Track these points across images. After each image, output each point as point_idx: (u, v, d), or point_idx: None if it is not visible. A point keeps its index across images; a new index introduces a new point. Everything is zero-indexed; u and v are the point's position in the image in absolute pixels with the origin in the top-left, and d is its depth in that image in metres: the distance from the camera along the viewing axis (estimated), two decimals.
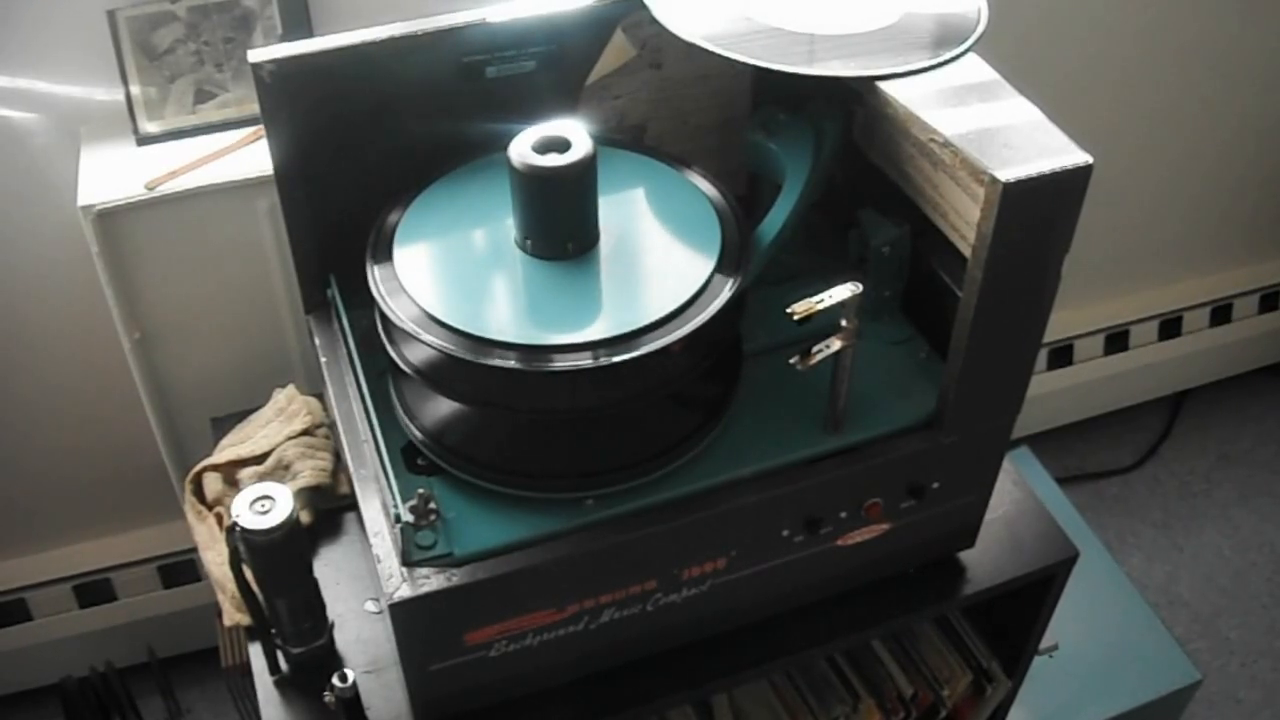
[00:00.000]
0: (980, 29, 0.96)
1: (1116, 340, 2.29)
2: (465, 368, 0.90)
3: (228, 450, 1.21)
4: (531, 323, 0.93)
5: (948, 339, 0.96)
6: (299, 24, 1.37)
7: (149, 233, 1.32)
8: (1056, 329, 2.22)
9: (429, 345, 0.91)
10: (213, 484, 1.19)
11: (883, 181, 1.05)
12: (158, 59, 1.35)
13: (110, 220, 1.30)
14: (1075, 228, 0.89)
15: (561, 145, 0.92)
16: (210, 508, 1.18)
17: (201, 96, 1.37)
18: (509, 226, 0.98)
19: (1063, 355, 2.26)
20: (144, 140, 1.37)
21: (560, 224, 0.95)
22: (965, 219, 0.95)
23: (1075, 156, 0.85)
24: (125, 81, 1.35)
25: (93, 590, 1.77)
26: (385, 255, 0.98)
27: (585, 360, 0.88)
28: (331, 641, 1.09)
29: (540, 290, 0.95)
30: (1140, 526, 2.29)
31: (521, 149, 0.92)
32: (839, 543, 1.05)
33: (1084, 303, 2.25)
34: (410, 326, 0.91)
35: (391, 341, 0.97)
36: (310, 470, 1.17)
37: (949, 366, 0.98)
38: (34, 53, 1.35)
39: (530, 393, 0.94)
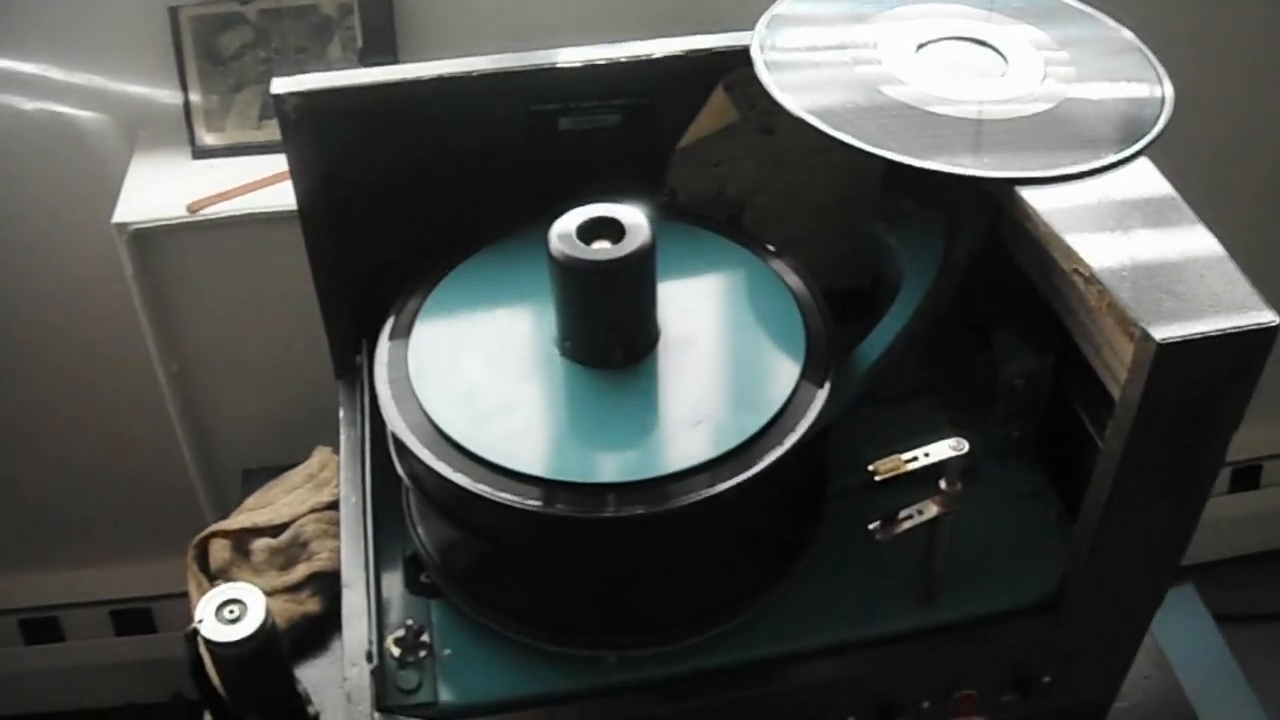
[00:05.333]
0: (1157, 129, 0.76)
1: None
2: (468, 495, 0.74)
3: (244, 515, 1.08)
4: (554, 450, 0.76)
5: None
6: (382, 38, 1.21)
7: (190, 259, 1.20)
8: (1242, 447, 1.90)
9: (427, 465, 0.75)
10: (219, 552, 1.06)
11: (1029, 290, 0.86)
12: (222, 64, 1.21)
13: (147, 241, 1.17)
14: (1248, 403, 0.69)
15: (614, 231, 0.75)
16: (213, 579, 1.05)
17: (269, 111, 1.22)
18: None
19: (1248, 476, 1.97)
20: (200, 153, 1.23)
21: (606, 327, 0.78)
22: (1121, 360, 0.74)
23: (1258, 316, 0.65)
24: (184, 87, 1.22)
25: (131, 618, 1.67)
26: (399, 349, 0.82)
27: (604, 508, 0.72)
28: None
29: (577, 407, 0.79)
30: None
31: (564, 232, 0.75)
32: None
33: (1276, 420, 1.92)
34: (410, 440, 0.76)
35: (395, 442, 0.82)
36: (329, 553, 1.03)
37: (1076, 544, 0.78)
38: (96, 46, 1.23)
39: (539, 535, 0.78)
